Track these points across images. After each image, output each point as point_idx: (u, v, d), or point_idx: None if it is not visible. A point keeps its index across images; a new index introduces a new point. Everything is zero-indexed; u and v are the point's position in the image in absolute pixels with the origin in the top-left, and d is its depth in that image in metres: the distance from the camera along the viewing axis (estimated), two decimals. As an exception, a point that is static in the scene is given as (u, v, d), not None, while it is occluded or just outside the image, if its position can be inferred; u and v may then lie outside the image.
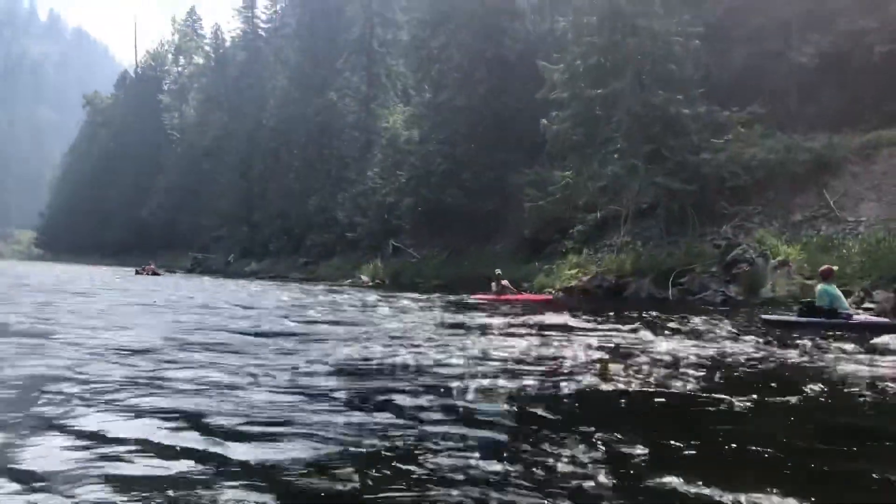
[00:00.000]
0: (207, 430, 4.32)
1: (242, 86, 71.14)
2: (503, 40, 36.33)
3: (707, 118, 24.26)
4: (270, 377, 6.20)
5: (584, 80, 25.91)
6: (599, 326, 11.64)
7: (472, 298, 20.92)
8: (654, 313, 14.68)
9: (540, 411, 4.98)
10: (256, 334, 10.10)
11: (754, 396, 5.50)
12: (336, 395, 5.54)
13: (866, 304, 16.41)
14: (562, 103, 26.83)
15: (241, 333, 10.03)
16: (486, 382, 6.12)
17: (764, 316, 13.04)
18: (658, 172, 24.32)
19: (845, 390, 6.12)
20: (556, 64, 27.16)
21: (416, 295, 21.81)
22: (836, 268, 12.79)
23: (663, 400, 5.52)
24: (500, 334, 10.47)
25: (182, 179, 77.48)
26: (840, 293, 12.05)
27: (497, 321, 12.88)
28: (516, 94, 34.41)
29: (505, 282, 21.89)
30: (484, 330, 11.14)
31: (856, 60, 25.08)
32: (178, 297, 19.97)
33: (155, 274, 39.14)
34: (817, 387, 5.98)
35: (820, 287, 12.10)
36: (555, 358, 7.74)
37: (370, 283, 33.81)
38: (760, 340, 9.59)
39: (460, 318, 13.73)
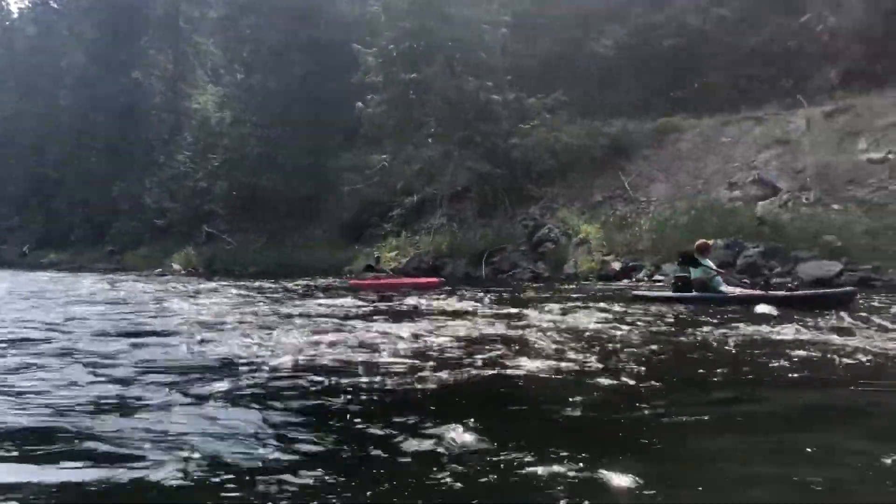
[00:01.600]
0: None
1: (34, 62, 65.02)
2: (318, 22, 35.73)
3: (516, 105, 25.27)
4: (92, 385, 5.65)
5: (397, 65, 26.13)
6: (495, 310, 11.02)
7: (351, 283, 19.71)
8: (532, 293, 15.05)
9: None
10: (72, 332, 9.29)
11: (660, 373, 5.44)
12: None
13: (656, 277, 17.98)
14: (377, 87, 26.92)
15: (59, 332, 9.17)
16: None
17: (635, 293, 13.00)
18: (471, 157, 25.11)
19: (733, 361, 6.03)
20: (370, 48, 27.14)
21: (262, 283, 19.83)
22: (711, 242, 12.52)
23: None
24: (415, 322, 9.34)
25: (-36, 164, 69.96)
26: (714, 267, 11.88)
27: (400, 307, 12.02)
28: (333, 77, 33.95)
29: (380, 266, 21.41)
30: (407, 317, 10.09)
31: (647, 52, 27.07)
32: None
33: None
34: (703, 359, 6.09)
35: None
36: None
37: (182, 272, 32.33)
38: (638, 315, 9.49)
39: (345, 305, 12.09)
